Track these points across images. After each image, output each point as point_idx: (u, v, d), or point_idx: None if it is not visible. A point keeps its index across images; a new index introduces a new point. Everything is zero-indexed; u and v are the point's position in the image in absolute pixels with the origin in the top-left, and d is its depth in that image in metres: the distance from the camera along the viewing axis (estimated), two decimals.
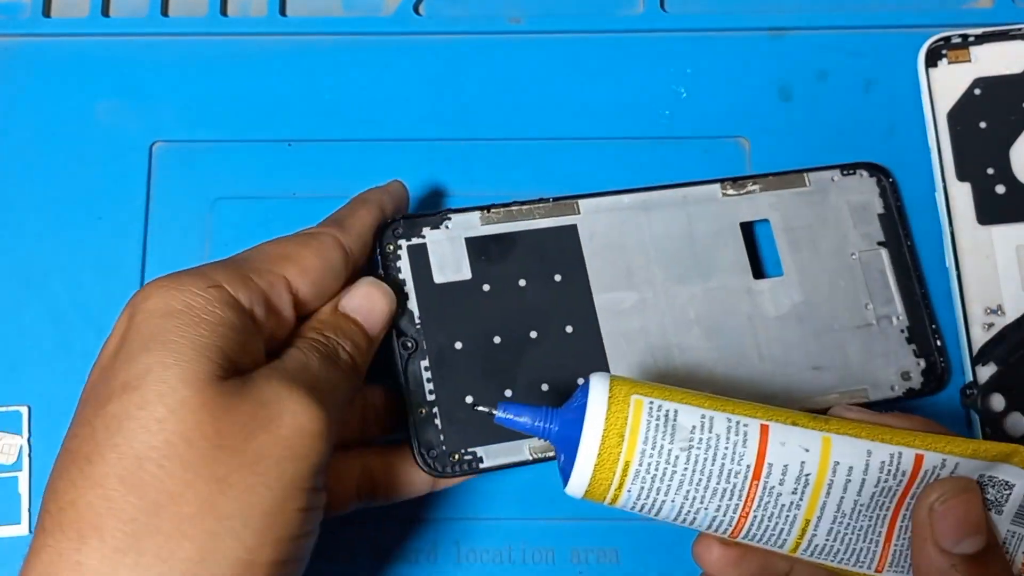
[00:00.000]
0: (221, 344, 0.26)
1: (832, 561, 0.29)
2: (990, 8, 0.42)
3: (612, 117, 0.41)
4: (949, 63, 0.40)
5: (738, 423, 0.29)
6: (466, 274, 0.36)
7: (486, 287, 0.36)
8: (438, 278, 0.36)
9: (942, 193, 0.39)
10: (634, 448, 0.28)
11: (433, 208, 0.37)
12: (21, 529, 0.38)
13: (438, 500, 0.37)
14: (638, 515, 0.30)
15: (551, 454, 0.35)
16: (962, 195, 0.39)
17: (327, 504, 0.29)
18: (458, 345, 0.36)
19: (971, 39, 0.40)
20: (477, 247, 0.36)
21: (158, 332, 0.26)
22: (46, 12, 0.42)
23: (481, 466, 0.34)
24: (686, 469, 0.28)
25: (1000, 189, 0.39)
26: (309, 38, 0.42)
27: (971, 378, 0.37)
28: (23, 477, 0.38)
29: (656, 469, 0.28)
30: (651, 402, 0.29)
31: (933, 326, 0.38)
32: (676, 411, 0.29)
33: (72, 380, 0.38)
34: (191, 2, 0.43)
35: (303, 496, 0.25)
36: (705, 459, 0.28)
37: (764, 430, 0.28)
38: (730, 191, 0.38)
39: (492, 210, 0.37)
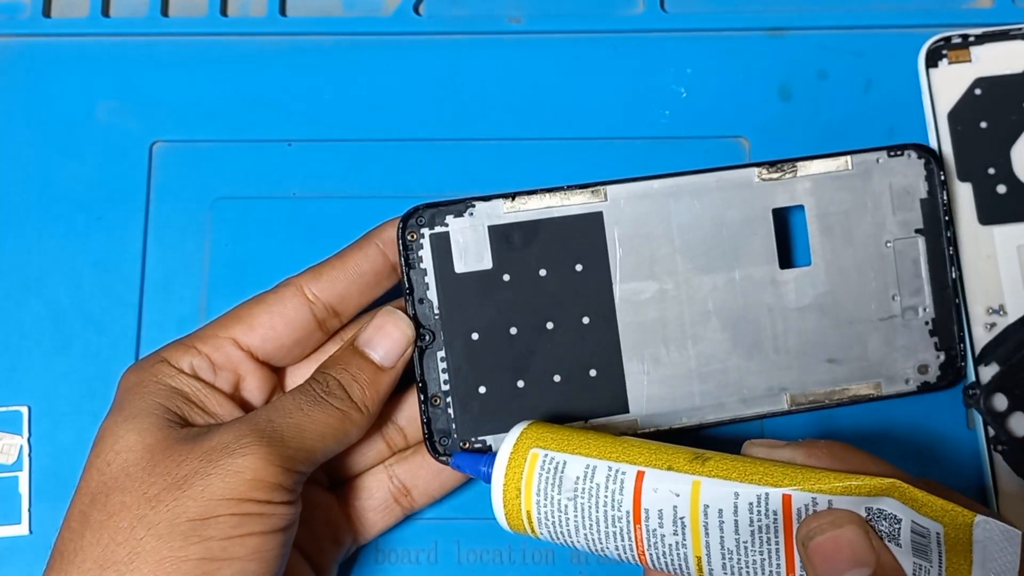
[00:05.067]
0: (165, 403, 0.32)
1: None
2: (990, 8, 0.42)
3: (612, 117, 0.41)
4: (949, 63, 0.40)
5: (616, 471, 0.30)
6: (487, 264, 0.36)
7: (506, 277, 0.36)
8: (459, 268, 0.36)
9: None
10: (530, 499, 0.31)
11: None
12: (21, 529, 0.38)
13: (438, 500, 0.37)
14: None
15: None
16: (963, 195, 0.39)
17: (376, 523, 0.36)
18: (475, 336, 0.36)
19: (971, 39, 0.40)
20: (500, 235, 0.36)
21: (118, 402, 0.33)
22: (46, 12, 0.42)
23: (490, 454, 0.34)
24: (576, 516, 0.31)
25: (1001, 189, 0.39)
26: (309, 38, 0.42)
27: (973, 378, 0.37)
28: (23, 477, 0.38)
29: (552, 516, 0.31)
30: (545, 455, 0.31)
31: (959, 320, 0.37)
32: (565, 462, 0.31)
33: (72, 380, 0.39)
34: (191, 2, 0.43)
35: (235, 505, 0.30)
36: (589, 507, 0.30)
37: (639, 477, 0.30)
38: (767, 175, 0.37)
39: (517, 197, 0.36)
